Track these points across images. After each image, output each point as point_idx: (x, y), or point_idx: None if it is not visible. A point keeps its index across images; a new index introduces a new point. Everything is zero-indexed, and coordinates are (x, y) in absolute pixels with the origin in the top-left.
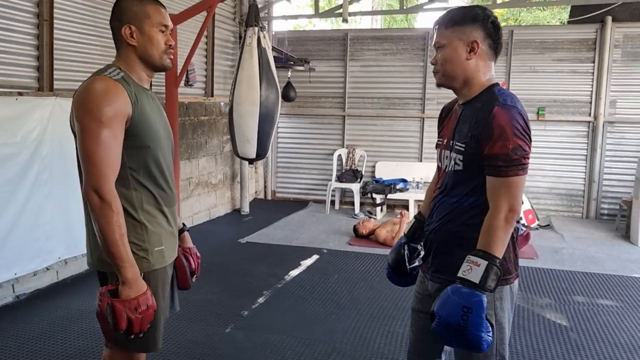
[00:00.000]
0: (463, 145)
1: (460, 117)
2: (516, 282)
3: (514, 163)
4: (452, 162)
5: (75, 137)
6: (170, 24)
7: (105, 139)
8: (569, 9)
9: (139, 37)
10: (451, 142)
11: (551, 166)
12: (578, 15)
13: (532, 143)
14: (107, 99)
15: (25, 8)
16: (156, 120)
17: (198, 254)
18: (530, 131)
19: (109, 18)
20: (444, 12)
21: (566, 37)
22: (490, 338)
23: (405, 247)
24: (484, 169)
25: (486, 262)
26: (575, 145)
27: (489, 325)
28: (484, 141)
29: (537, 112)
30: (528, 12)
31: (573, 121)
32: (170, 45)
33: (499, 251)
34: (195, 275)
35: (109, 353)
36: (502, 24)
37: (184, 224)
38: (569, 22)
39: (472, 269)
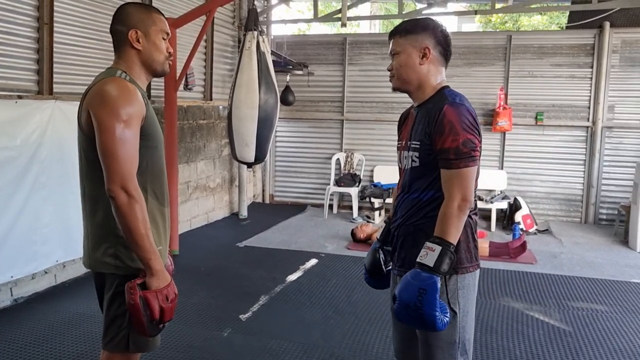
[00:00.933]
0: (418, 143)
1: (415, 119)
2: (477, 272)
3: (464, 155)
4: (410, 160)
5: (82, 134)
6: (169, 32)
7: (128, 138)
8: (567, 14)
9: (145, 42)
10: (408, 142)
11: (549, 171)
12: (576, 20)
13: (531, 148)
14: (126, 99)
15: (26, 12)
16: (157, 123)
17: (172, 262)
18: (478, 126)
19: (109, 22)
20: (400, 22)
21: (564, 43)
22: (447, 319)
23: (380, 250)
24: (438, 163)
25: (440, 248)
26: (573, 150)
27: (446, 306)
28: (436, 137)
29: (536, 117)
30: (527, 17)
31: (571, 126)
32: (170, 53)
33: (453, 238)
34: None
35: (106, 356)
36: (500, 29)
37: None
38: (567, 28)
39: (428, 254)
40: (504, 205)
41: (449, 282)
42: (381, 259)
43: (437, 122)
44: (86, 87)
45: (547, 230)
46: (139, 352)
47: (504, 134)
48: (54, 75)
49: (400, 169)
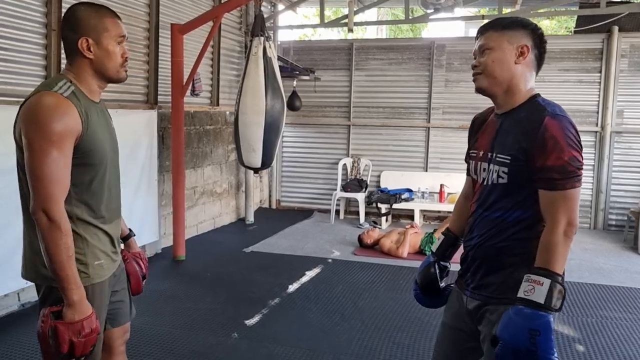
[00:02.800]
0: (508, 158)
1: (500, 127)
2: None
3: (570, 175)
4: (494, 175)
5: (17, 147)
6: (126, 34)
7: (55, 159)
8: (575, 19)
9: (96, 50)
10: (490, 154)
11: None
12: (584, 25)
13: None
14: (57, 117)
15: (34, 18)
16: (104, 137)
17: (146, 258)
18: (581, 141)
19: None
20: (493, 19)
21: (572, 47)
22: None
23: (436, 265)
24: (533, 182)
25: (549, 281)
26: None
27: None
28: (535, 153)
29: None
30: (535, 21)
31: (580, 131)
32: (126, 58)
33: (560, 268)
34: (145, 279)
35: None
36: None
37: (130, 230)
38: (575, 32)
39: (535, 289)
40: None
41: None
42: (437, 275)
43: (537, 136)
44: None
45: None
46: None
47: None
48: None
49: (474, 181)
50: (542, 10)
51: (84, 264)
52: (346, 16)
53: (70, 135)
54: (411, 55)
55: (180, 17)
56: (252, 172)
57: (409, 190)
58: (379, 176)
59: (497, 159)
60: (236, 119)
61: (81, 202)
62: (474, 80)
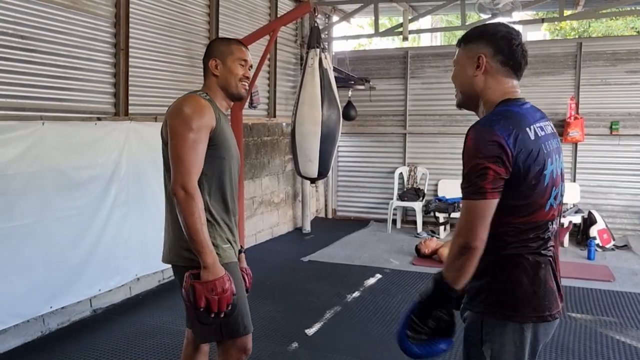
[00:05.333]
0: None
1: None
2: (536, 326)
3: (470, 185)
4: None
5: (164, 144)
6: (249, 59)
7: (193, 143)
8: None
9: (222, 68)
10: None
11: (627, 183)
12: None
13: (606, 159)
14: (197, 111)
15: (104, 39)
16: (230, 139)
17: (250, 274)
18: (506, 156)
19: (179, 47)
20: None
21: None
22: (425, 350)
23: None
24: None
25: (434, 283)
26: None
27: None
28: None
29: (610, 127)
30: (599, 22)
31: None
32: (246, 77)
33: (450, 276)
34: (248, 292)
35: (221, 350)
36: (571, 36)
37: (241, 246)
38: None
39: (429, 284)
40: (577, 219)
41: (485, 323)
42: None
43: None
44: (160, 107)
45: (625, 245)
46: (231, 338)
47: (576, 144)
48: (129, 98)
49: None
50: (606, 11)
51: (215, 246)
52: (400, 25)
53: (206, 127)
54: None
55: (238, 32)
56: (308, 182)
57: None
58: (436, 185)
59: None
60: (293, 130)
61: (210, 191)
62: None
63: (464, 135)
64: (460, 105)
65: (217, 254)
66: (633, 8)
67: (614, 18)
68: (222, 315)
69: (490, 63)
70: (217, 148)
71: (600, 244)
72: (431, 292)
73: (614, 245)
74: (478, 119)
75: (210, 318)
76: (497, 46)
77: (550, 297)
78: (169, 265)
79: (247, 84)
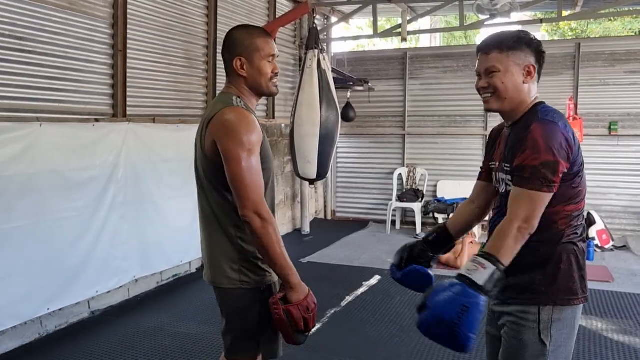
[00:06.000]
0: (509, 166)
1: (508, 139)
2: (580, 307)
3: (539, 178)
4: (504, 184)
5: (204, 159)
6: (277, 52)
7: (253, 165)
8: None
9: (249, 69)
10: (501, 164)
11: (626, 183)
12: None
13: (605, 159)
14: (248, 129)
15: (102, 40)
16: (267, 144)
17: None
18: (570, 149)
19: (177, 48)
20: (490, 36)
21: (639, 48)
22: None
23: (417, 243)
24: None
25: (494, 268)
26: None
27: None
28: (518, 153)
29: (609, 127)
30: (597, 23)
31: None
32: (276, 73)
33: (507, 259)
34: None
35: None
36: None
37: None
38: None
39: (478, 270)
40: None
41: (543, 312)
42: (415, 246)
43: (523, 139)
44: (159, 108)
45: (624, 246)
46: (270, 357)
47: (579, 147)
48: (128, 99)
49: (495, 190)
50: (604, 11)
51: (266, 264)
52: (399, 26)
53: (258, 143)
54: (466, 63)
55: None
56: (307, 183)
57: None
58: (435, 186)
59: (505, 168)
60: (292, 131)
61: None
62: (484, 102)
63: (526, 130)
64: (497, 110)
65: (268, 272)
66: (631, 8)
67: (612, 19)
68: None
69: (535, 72)
70: (264, 160)
71: (600, 245)
72: (495, 283)
73: (613, 245)
74: (478, 121)
75: (304, 336)
76: (539, 56)
77: (587, 279)
78: (168, 267)
79: (277, 80)
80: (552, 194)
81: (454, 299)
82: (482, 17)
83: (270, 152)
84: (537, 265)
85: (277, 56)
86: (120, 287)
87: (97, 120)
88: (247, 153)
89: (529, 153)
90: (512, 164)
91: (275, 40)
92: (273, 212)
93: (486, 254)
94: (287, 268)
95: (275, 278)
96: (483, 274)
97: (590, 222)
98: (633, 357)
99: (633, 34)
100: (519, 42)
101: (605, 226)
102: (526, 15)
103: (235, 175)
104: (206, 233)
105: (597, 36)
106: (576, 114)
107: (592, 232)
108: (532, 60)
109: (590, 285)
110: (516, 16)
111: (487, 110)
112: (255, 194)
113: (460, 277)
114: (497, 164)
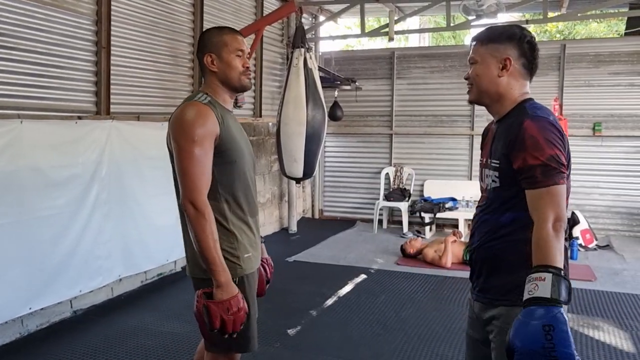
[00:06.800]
0: (497, 162)
1: (495, 135)
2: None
3: (551, 172)
4: (490, 180)
5: (171, 154)
6: (246, 48)
7: (198, 156)
8: (625, 21)
9: (219, 63)
10: (487, 160)
11: (609, 183)
12: (635, 26)
13: (589, 159)
14: (198, 121)
15: (85, 36)
16: (240, 138)
17: (272, 264)
18: (564, 141)
19: (162, 45)
20: (484, 28)
21: (623, 50)
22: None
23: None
24: (519, 183)
25: (551, 274)
26: (635, 161)
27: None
28: (517, 154)
29: (593, 128)
30: (582, 25)
31: (632, 136)
32: (247, 68)
33: (559, 261)
34: (269, 283)
35: (210, 357)
36: (555, 38)
37: (261, 236)
38: (625, 34)
39: (539, 286)
40: None
41: (512, 313)
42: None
43: (517, 138)
44: (143, 106)
45: (607, 245)
46: (237, 352)
47: (568, 143)
48: (111, 96)
49: (481, 187)
50: (590, 13)
51: (236, 257)
52: (387, 25)
53: (209, 136)
54: (453, 63)
55: None
56: (294, 182)
57: (453, 199)
58: (422, 185)
59: (492, 164)
60: (278, 130)
61: (228, 198)
62: (467, 93)
63: (518, 127)
64: (475, 101)
65: (238, 265)
66: (616, 10)
67: (598, 21)
68: (234, 336)
69: (515, 65)
70: (227, 153)
71: (583, 244)
72: (563, 288)
73: (596, 245)
74: (465, 121)
75: (223, 338)
76: (522, 50)
77: (569, 278)
78: (153, 266)
79: (249, 75)
80: (565, 184)
81: (533, 326)
82: (468, 17)
83: (240, 147)
84: (522, 265)
85: (248, 52)
86: (104, 286)
87: (79, 118)
88: (192, 144)
89: (531, 152)
90: (505, 161)
91: (262, 39)
92: (248, 207)
93: (537, 267)
94: (215, 264)
95: (248, 271)
96: (546, 286)
97: (574, 221)
98: (613, 355)
99: (617, 36)
100: (500, 35)
101: (589, 226)
102: (513, 16)
103: (177, 164)
104: (182, 227)
105: (582, 37)
106: (561, 114)
107: (576, 231)
108: (513, 54)
109: (574, 284)
110: (503, 17)
111: (468, 101)
112: (193, 183)
113: (527, 302)
114: (485, 160)
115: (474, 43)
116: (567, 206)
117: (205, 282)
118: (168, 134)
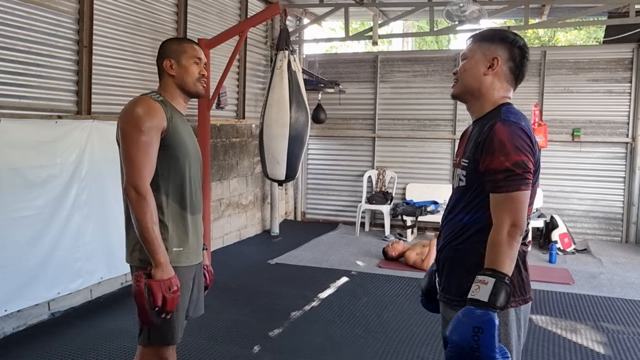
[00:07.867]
0: (467, 161)
1: (470, 134)
2: (524, 307)
3: (515, 178)
4: (457, 179)
5: (119, 147)
6: (203, 57)
7: (143, 145)
8: (604, 29)
9: (177, 68)
10: (460, 159)
11: (587, 189)
12: (614, 34)
13: (568, 165)
14: (147, 113)
15: (66, 35)
16: (187, 139)
17: (212, 272)
18: (534, 148)
19: (144, 45)
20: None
21: (601, 57)
22: None
23: (436, 273)
24: (484, 184)
25: (494, 280)
26: (612, 167)
27: (506, 350)
28: (484, 156)
29: (572, 134)
30: (563, 32)
31: (610, 142)
32: (202, 75)
33: (507, 268)
34: (207, 290)
35: (139, 351)
36: (535, 44)
37: (204, 244)
38: (604, 42)
39: (480, 288)
40: (540, 223)
41: None
42: (437, 282)
43: (487, 140)
44: (122, 105)
45: (585, 249)
46: (162, 344)
47: (539, 150)
48: (92, 96)
49: (452, 186)
50: (570, 21)
51: (165, 247)
52: (371, 29)
53: (156, 128)
54: (436, 67)
55: (207, 32)
56: (277, 184)
57: (435, 203)
58: (404, 188)
59: (462, 163)
60: (261, 132)
61: (166, 190)
62: (452, 87)
63: (489, 129)
64: (456, 96)
65: (175, 256)
66: (595, 19)
67: (577, 28)
68: (169, 316)
69: (502, 67)
70: (171, 148)
71: (562, 248)
72: (502, 294)
73: (574, 249)
74: (447, 125)
75: (160, 318)
76: (512, 54)
77: (529, 281)
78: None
79: (204, 82)
80: (529, 190)
81: (464, 324)
82: (451, 23)
83: (185, 144)
84: (480, 267)
85: (205, 62)
86: (82, 288)
87: (60, 117)
88: (138, 133)
89: (498, 155)
90: (473, 161)
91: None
92: (186, 203)
93: (485, 269)
94: (154, 245)
95: (177, 264)
96: (486, 290)
97: (553, 225)
98: (590, 357)
99: (596, 44)
100: (493, 35)
101: (567, 230)
102: (495, 22)
103: (124, 151)
104: (125, 215)
105: (562, 44)
106: (541, 119)
107: (555, 235)
108: (502, 55)
109: (552, 287)
110: (485, 23)
111: (451, 95)
112: (138, 170)
113: (468, 301)
114: (458, 159)
115: (469, 40)
116: (529, 213)
117: (132, 269)
118: (117, 127)
